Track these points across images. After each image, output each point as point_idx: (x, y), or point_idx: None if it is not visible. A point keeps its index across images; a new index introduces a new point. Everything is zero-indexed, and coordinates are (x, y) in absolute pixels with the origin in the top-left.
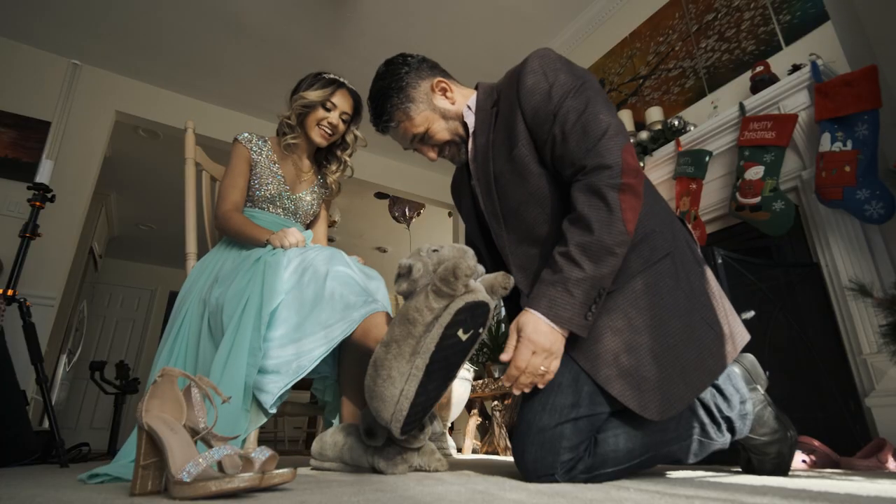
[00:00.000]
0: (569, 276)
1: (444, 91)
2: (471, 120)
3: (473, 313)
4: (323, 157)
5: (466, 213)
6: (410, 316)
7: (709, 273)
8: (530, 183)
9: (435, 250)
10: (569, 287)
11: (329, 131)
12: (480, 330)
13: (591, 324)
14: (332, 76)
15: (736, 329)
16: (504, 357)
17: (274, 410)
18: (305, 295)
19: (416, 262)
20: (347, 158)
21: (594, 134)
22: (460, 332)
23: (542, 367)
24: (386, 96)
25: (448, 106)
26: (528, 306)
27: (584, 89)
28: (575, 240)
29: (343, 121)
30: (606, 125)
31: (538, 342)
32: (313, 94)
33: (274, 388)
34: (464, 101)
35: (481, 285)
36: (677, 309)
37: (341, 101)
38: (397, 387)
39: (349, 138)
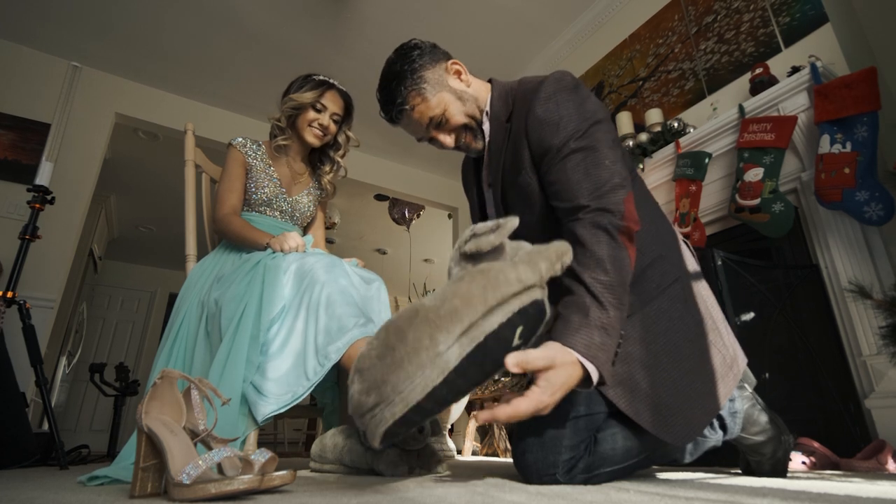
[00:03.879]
0: (602, 320)
1: (458, 73)
2: (486, 127)
3: (538, 317)
4: (317, 158)
5: (473, 207)
6: (496, 277)
7: (709, 292)
8: (535, 210)
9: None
10: (608, 331)
11: (320, 132)
12: (525, 344)
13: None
14: (321, 77)
15: (738, 352)
16: (517, 367)
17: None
18: (304, 310)
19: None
20: (340, 159)
21: (599, 179)
22: (518, 330)
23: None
24: (399, 79)
25: (464, 87)
26: (574, 348)
27: (592, 130)
28: (599, 279)
29: (334, 121)
30: (611, 173)
31: (558, 396)
32: (303, 96)
33: (266, 410)
34: (480, 89)
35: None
36: (688, 334)
37: (331, 103)
38: (423, 370)
39: (341, 139)
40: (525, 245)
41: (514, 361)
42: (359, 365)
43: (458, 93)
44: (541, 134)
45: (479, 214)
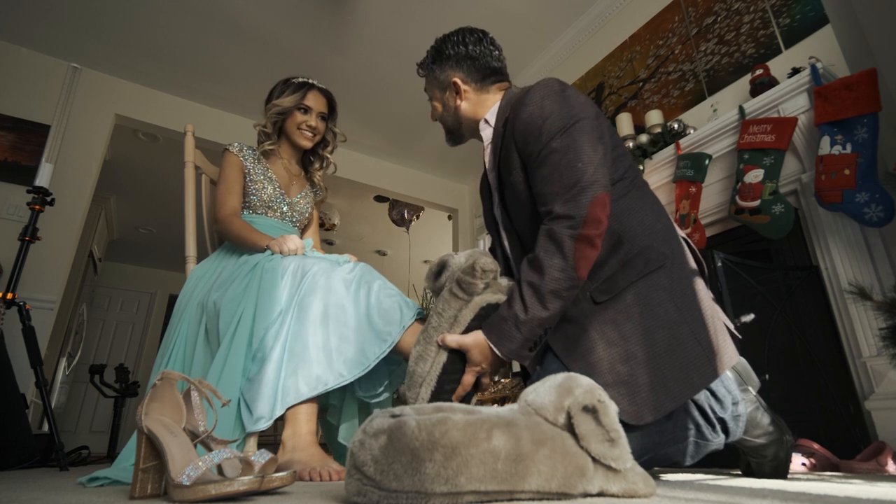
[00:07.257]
0: (518, 315)
1: (455, 86)
2: (486, 134)
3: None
4: (307, 158)
5: (486, 212)
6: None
7: (704, 289)
8: (526, 206)
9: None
10: (517, 324)
11: (310, 133)
12: None
13: (533, 355)
14: (301, 79)
15: (725, 349)
16: (450, 340)
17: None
18: (297, 322)
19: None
20: (328, 156)
21: (568, 182)
22: None
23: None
24: (430, 53)
25: (451, 102)
26: (483, 331)
27: (572, 130)
28: (527, 279)
29: (321, 120)
30: (581, 174)
31: (481, 364)
32: (286, 101)
33: (253, 428)
34: (476, 106)
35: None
36: (666, 320)
37: (315, 102)
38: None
39: (329, 136)
40: None
41: (453, 339)
42: None
43: (442, 99)
44: (526, 138)
45: (493, 222)
